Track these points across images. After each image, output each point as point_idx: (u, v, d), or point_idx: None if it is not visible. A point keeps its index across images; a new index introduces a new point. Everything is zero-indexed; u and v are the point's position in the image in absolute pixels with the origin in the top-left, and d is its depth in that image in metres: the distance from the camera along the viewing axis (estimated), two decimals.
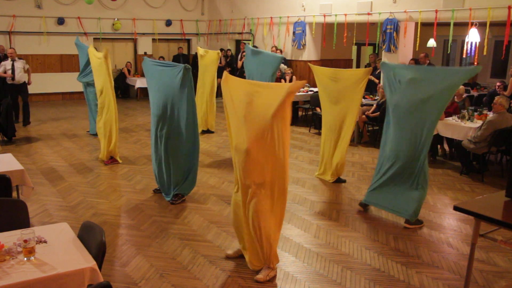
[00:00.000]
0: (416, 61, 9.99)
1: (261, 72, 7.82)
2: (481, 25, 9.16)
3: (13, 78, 10.07)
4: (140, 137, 9.73)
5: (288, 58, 13.05)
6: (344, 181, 6.85)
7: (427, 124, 5.04)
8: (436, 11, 9.19)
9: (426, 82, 5.00)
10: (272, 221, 4.11)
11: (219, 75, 17.04)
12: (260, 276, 4.16)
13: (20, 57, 10.36)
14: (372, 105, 9.25)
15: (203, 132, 10.00)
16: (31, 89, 13.96)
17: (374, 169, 7.44)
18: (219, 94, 15.54)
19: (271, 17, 13.46)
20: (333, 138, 6.71)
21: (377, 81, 10.82)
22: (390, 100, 5.41)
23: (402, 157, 5.30)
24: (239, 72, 13.79)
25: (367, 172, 7.36)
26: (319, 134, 8.89)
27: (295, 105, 11.62)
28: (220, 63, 15.09)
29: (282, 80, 11.58)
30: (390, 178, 5.48)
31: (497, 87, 9.35)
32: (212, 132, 10.22)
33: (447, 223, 5.49)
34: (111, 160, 7.70)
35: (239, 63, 13.75)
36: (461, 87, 9.08)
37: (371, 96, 10.15)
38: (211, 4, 16.51)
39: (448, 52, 11.78)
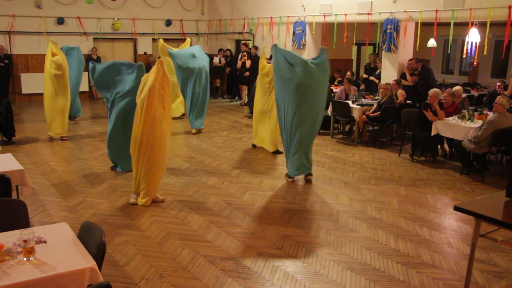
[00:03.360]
0: (417, 60, 9.96)
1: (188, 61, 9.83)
2: (481, 25, 9.15)
3: None
4: None
5: None
6: (281, 153, 7.89)
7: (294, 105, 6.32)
8: (436, 11, 9.19)
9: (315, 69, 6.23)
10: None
11: (218, 76, 16.93)
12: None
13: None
14: (372, 105, 9.23)
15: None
16: (30, 89, 14.08)
17: (374, 169, 7.54)
18: (219, 94, 15.57)
19: (271, 17, 13.45)
20: (265, 119, 8.33)
21: (377, 81, 10.81)
22: (278, 77, 6.54)
23: (284, 128, 6.66)
24: (239, 72, 13.78)
25: (367, 172, 7.36)
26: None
27: None
28: (220, 63, 15.07)
29: None
30: (286, 147, 6.79)
31: (497, 87, 9.33)
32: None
33: (447, 223, 5.49)
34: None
35: (239, 63, 13.72)
36: (460, 88, 9.09)
37: (371, 96, 10.14)
38: (211, 4, 16.50)
39: (448, 52, 11.78)
